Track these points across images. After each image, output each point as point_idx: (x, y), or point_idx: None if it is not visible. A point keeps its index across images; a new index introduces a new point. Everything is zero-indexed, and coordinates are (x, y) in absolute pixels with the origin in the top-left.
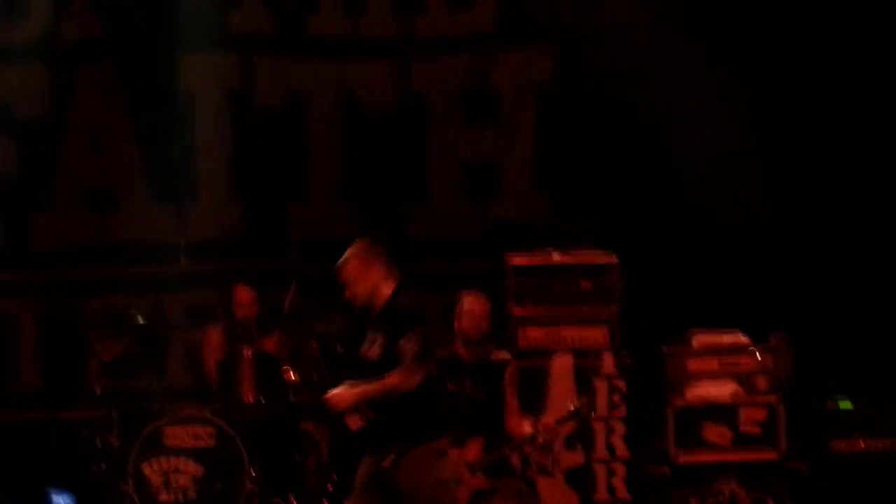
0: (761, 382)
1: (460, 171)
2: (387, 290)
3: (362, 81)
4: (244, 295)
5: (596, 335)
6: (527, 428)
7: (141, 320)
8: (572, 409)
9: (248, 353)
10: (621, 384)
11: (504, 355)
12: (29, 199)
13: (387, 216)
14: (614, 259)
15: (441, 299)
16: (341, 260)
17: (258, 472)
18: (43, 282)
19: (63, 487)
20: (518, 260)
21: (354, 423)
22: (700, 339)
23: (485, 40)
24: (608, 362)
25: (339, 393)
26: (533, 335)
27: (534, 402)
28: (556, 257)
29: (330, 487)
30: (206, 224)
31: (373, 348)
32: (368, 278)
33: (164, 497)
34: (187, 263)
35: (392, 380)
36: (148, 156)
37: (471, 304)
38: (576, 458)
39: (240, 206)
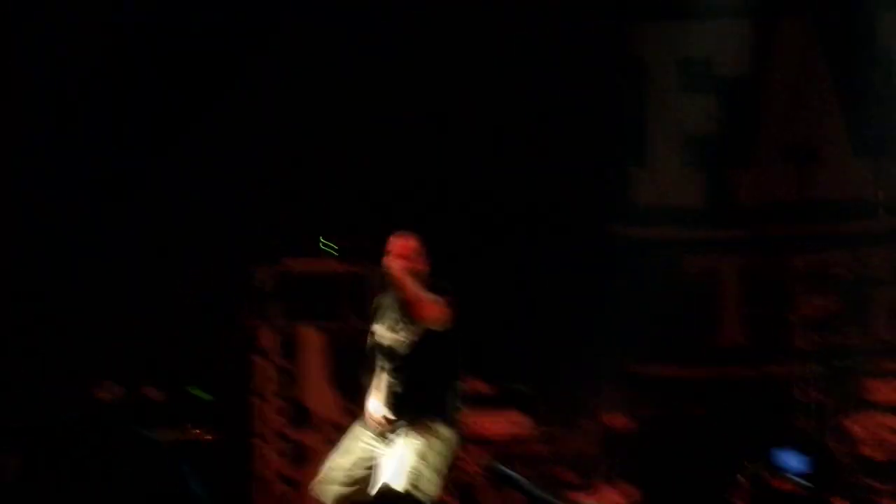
0: None
1: None
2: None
3: None
4: None
5: None
6: None
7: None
8: None
9: None
10: None
11: None
12: (730, 155)
13: None
14: None
15: None
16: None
17: None
18: (745, 238)
19: (786, 446)
20: None
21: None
22: None
23: None
24: None
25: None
26: None
27: None
28: None
29: None
30: None
31: (399, 335)
32: (422, 263)
33: (867, 452)
34: (887, 219)
35: (428, 296)
36: (848, 110)
37: None
38: None
39: None
